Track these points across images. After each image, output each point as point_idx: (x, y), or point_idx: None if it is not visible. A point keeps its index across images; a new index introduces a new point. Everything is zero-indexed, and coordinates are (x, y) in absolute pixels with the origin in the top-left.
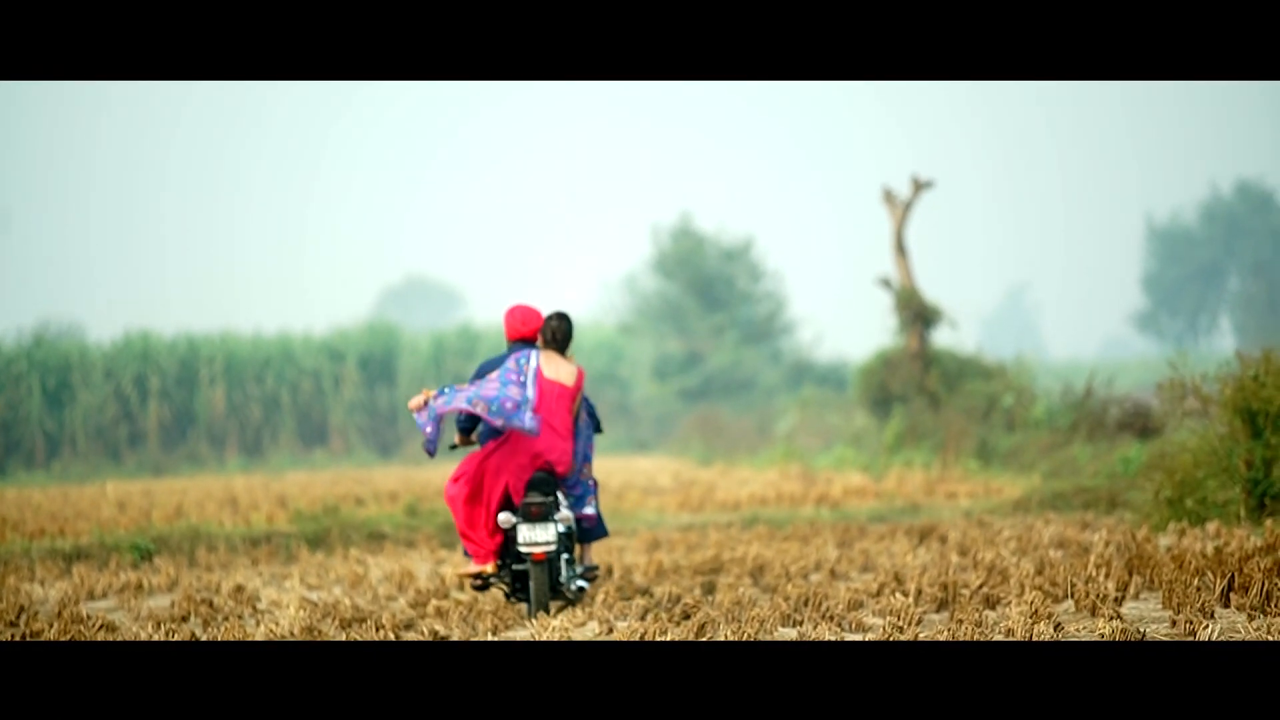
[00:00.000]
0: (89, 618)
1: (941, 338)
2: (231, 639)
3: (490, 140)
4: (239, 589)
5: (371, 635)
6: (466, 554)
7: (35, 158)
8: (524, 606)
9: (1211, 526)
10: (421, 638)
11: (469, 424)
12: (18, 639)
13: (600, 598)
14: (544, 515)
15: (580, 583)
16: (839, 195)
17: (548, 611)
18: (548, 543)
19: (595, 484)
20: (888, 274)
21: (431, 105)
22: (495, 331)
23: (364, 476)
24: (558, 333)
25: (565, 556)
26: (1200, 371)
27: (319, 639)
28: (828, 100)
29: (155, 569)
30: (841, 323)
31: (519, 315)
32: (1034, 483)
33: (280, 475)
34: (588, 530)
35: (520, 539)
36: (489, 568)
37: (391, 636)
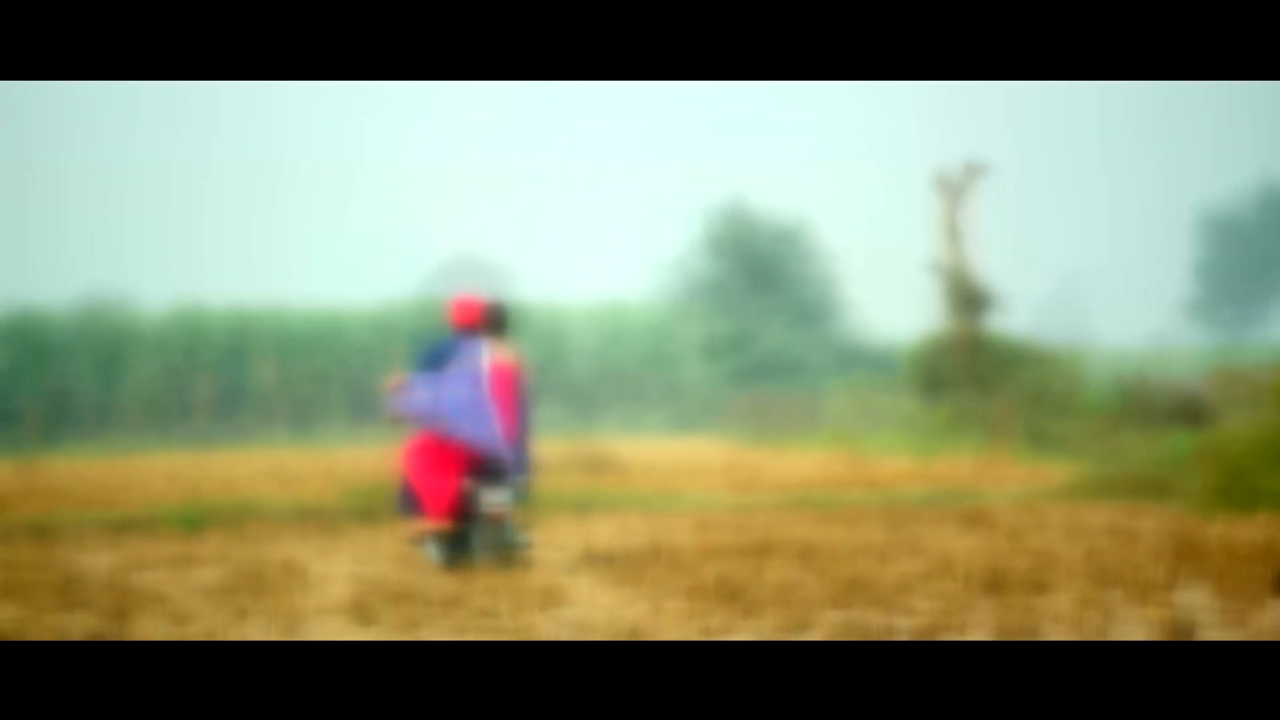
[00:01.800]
0: (138, 588)
1: (992, 322)
2: (280, 612)
3: (541, 118)
4: (288, 562)
5: (419, 610)
6: (405, 511)
7: (86, 126)
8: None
9: (1262, 516)
10: (469, 614)
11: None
12: (65, 609)
13: (649, 576)
14: (500, 480)
15: (524, 537)
16: (891, 177)
17: (498, 559)
18: (503, 504)
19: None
20: (938, 258)
21: (485, 84)
22: (545, 309)
23: None
24: (498, 321)
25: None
26: (1252, 360)
27: (367, 612)
28: (880, 82)
29: (204, 541)
30: (892, 306)
31: (461, 305)
32: (1083, 469)
33: (329, 450)
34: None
35: (482, 500)
36: (444, 525)
37: (440, 612)
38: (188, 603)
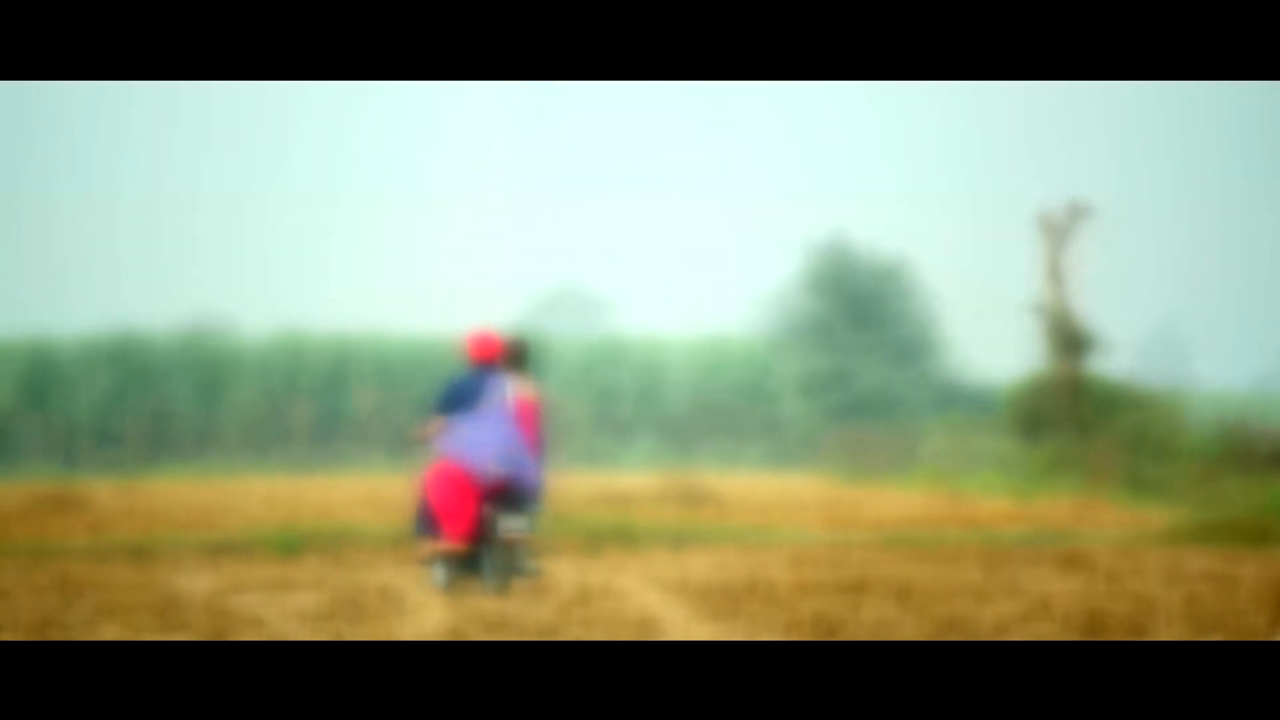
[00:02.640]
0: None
1: (1093, 364)
2: (378, 639)
3: (643, 151)
4: (385, 588)
5: (516, 638)
6: (421, 532)
7: (196, 151)
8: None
9: None
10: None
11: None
12: (164, 631)
13: (745, 610)
14: (519, 508)
15: (533, 564)
16: (993, 215)
17: (507, 585)
18: (520, 530)
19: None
20: (1039, 298)
21: (586, 112)
22: (644, 342)
23: None
24: (519, 356)
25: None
26: None
27: (463, 640)
28: (982, 117)
29: (301, 566)
30: (991, 346)
31: (482, 341)
32: (1183, 514)
33: None
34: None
35: (500, 525)
36: (459, 547)
37: (536, 639)
38: (284, 627)
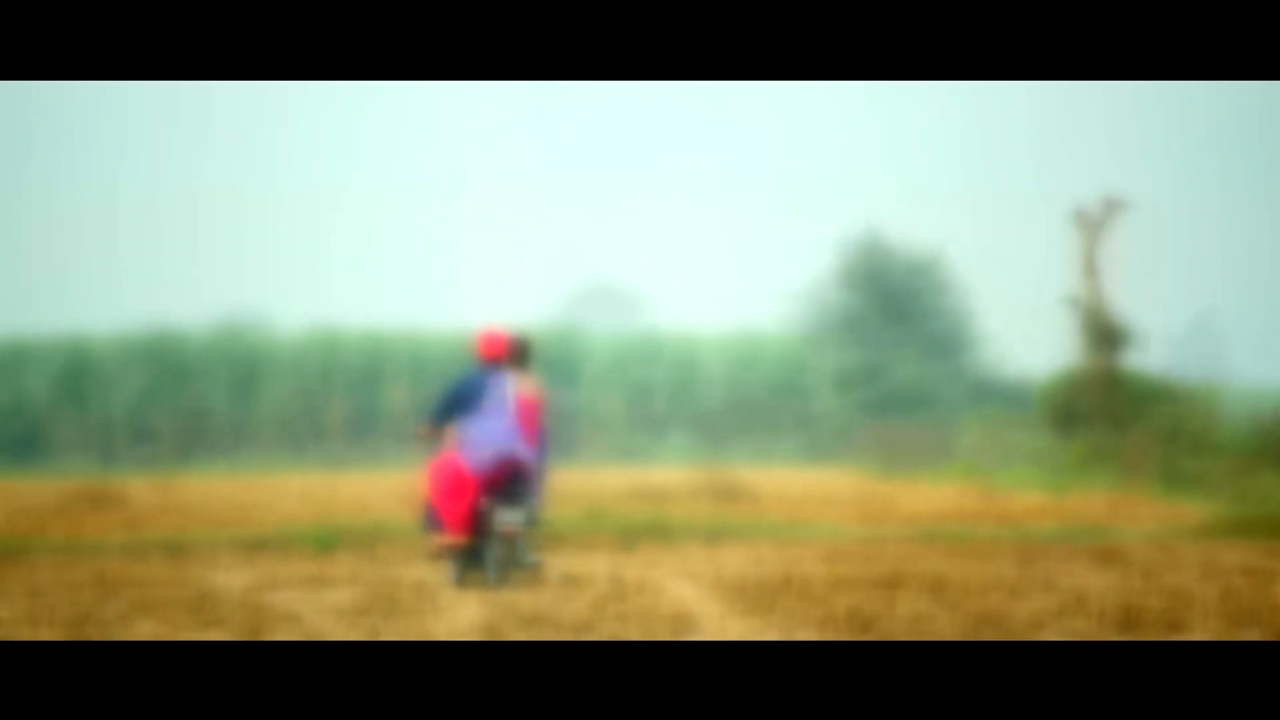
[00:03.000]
0: (271, 608)
1: (1128, 358)
2: (413, 635)
3: (677, 147)
4: (420, 584)
5: (551, 635)
6: (427, 527)
7: (230, 147)
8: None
9: None
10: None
11: (442, 419)
12: (200, 627)
13: (780, 606)
14: (516, 501)
15: (533, 557)
16: (1027, 209)
17: (506, 577)
18: (518, 523)
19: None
20: (1074, 292)
21: (622, 109)
22: (678, 337)
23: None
24: (522, 354)
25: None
26: None
27: (498, 638)
28: (1018, 111)
29: (336, 562)
30: (1026, 340)
31: (489, 339)
32: (1218, 509)
33: None
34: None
35: (498, 519)
36: (460, 540)
37: (571, 637)
38: (320, 623)
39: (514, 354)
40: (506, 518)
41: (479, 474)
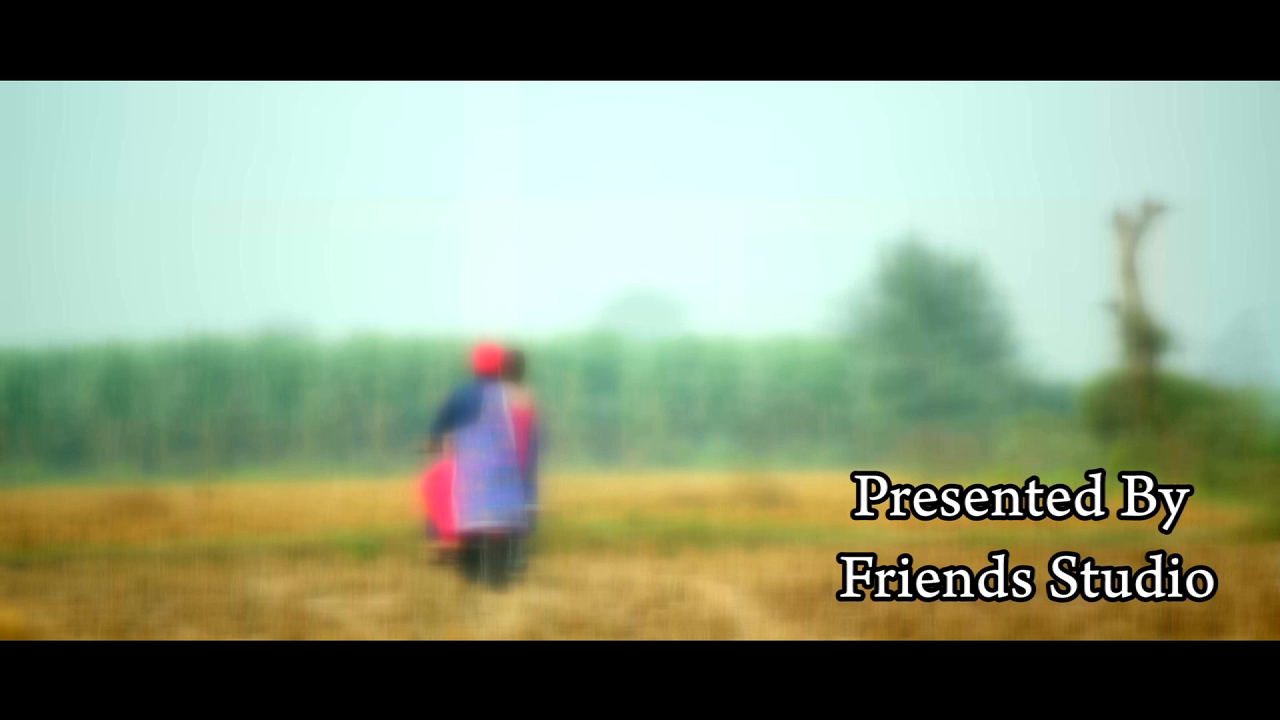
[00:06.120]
0: (313, 614)
1: (1168, 362)
2: (454, 639)
3: (717, 152)
4: (461, 590)
5: (591, 639)
6: (430, 535)
7: (271, 156)
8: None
9: None
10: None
11: (440, 431)
12: (242, 633)
13: (821, 611)
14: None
15: (522, 561)
16: (1068, 213)
17: (500, 581)
18: (504, 528)
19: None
20: (1114, 295)
21: (659, 112)
22: (718, 342)
23: (584, 483)
24: (517, 367)
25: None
26: None
27: (538, 640)
28: (1058, 114)
29: (378, 568)
30: (1066, 344)
31: (485, 352)
32: (1259, 512)
33: None
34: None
35: (484, 525)
36: (453, 545)
37: (611, 639)
38: (362, 629)
39: (508, 367)
40: (494, 523)
41: (474, 527)
